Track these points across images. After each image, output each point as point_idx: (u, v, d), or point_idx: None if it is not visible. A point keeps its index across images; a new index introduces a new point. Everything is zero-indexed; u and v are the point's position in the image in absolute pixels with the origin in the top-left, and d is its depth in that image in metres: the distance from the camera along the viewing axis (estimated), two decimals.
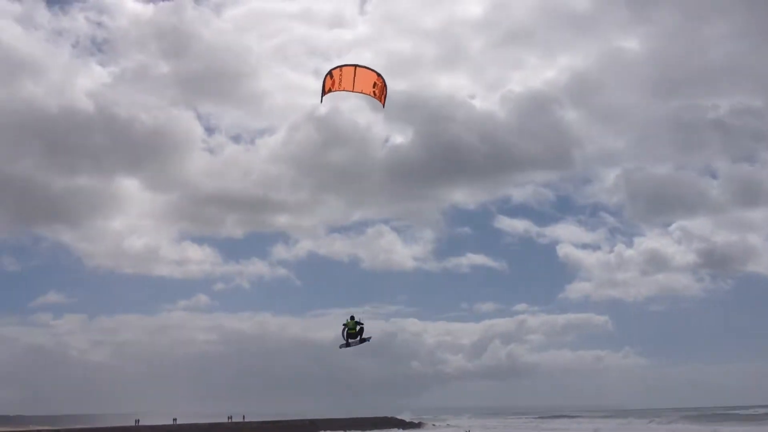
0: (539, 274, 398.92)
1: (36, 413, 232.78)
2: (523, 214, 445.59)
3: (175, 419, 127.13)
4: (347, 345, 24.69)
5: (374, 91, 34.17)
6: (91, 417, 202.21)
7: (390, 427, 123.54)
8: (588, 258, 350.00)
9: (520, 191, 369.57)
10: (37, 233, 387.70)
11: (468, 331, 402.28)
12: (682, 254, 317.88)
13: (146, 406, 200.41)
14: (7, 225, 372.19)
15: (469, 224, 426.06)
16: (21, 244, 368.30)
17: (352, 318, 25.11)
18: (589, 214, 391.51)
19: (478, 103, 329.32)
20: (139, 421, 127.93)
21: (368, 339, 25.62)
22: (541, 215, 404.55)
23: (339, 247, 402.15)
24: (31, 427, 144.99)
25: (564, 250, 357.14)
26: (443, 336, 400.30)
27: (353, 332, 24.97)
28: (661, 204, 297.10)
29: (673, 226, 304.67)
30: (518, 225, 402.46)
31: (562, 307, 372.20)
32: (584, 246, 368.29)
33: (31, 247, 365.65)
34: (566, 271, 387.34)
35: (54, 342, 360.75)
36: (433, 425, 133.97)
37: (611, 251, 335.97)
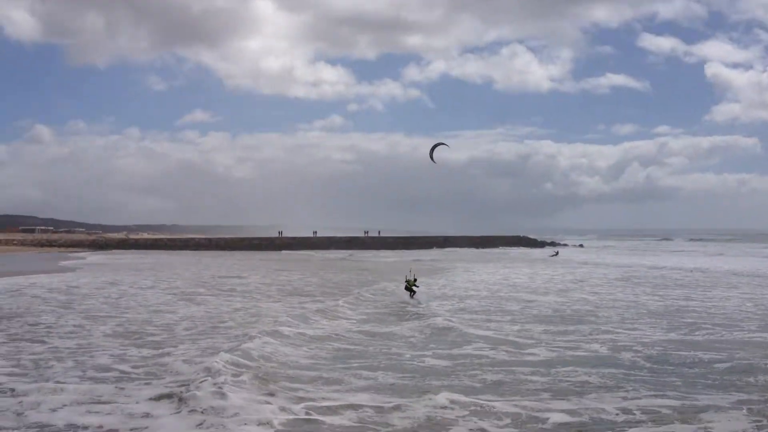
0: (684, 95, 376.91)
1: (189, 223, 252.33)
2: (669, 31, 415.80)
3: (315, 232, 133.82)
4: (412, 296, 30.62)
5: None
6: (238, 228, 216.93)
7: (523, 246, 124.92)
8: (738, 78, 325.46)
9: (667, 7, 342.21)
10: (179, 54, 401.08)
11: (605, 154, 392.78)
12: None
13: (287, 219, 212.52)
14: (151, 47, 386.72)
15: (610, 43, 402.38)
16: (166, 64, 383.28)
17: (415, 279, 30.48)
18: (743, 31, 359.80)
19: None
20: (282, 232, 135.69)
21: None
22: (689, 32, 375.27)
23: (472, 68, 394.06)
24: (186, 235, 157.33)
25: (712, 70, 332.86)
26: (579, 158, 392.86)
27: (409, 288, 30.14)
28: None
29: None
30: (664, 43, 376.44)
31: (707, 128, 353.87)
32: (735, 65, 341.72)
33: (175, 68, 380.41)
34: (714, 92, 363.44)
35: (201, 158, 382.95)
36: (565, 245, 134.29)
37: (765, 71, 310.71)
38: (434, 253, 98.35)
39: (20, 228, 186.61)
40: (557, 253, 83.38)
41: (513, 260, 71.43)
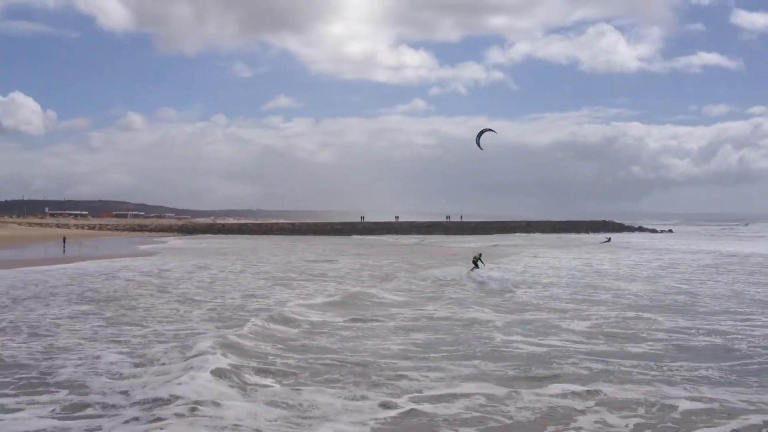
0: None
1: (273, 208, 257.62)
2: (765, 7, 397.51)
3: (397, 217, 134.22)
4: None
5: None
6: (320, 213, 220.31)
7: (607, 231, 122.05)
8: None
9: None
10: (264, 41, 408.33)
11: (696, 135, 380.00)
12: None
13: (369, 204, 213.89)
14: (237, 34, 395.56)
15: (701, 20, 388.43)
16: (251, 51, 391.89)
17: (480, 256, 36.04)
18: None
19: None
20: (364, 217, 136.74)
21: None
22: None
23: (557, 49, 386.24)
24: (270, 220, 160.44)
25: None
26: (668, 140, 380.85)
27: (475, 263, 35.37)
28: None
29: None
30: (758, 20, 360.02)
31: None
32: None
33: (260, 54, 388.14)
34: None
35: (285, 144, 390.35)
36: (653, 230, 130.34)
37: None
38: (515, 238, 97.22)
39: (114, 213, 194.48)
40: (609, 239, 79.92)
41: (595, 246, 69.81)
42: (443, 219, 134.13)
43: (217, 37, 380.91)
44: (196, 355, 13.42)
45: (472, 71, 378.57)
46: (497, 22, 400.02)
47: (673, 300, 23.80)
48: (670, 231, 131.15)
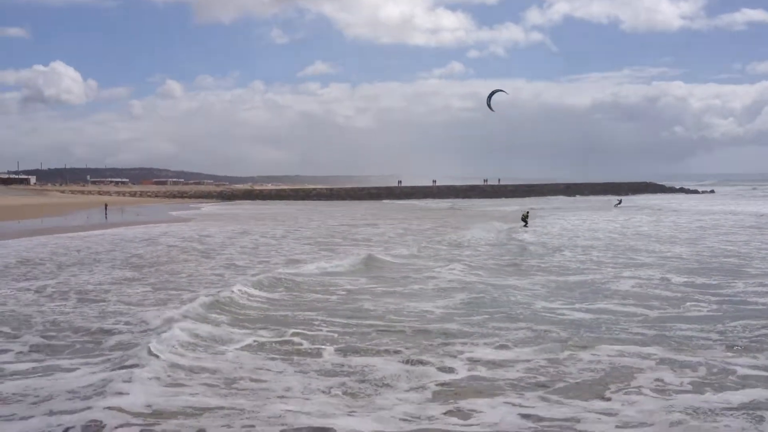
0: None
1: (311, 174, 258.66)
2: None
3: (434, 181, 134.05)
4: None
5: None
6: (358, 178, 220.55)
7: (651, 193, 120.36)
8: None
9: None
10: (300, 6, 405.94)
11: (740, 94, 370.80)
12: None
13: (407, 168, 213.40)
14: (274, 1, 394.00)
15: None
16: (288, 17, 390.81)
17: (528, 213, 41.31)
18: None
19: None
20: (401, 182, 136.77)
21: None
22: None
23: (597, 8, 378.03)
24: (308, 185, 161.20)
25: None
26: (711, 99, 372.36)
27: (524, 220, 39.76)
28: None
29: None
30: None
31: None
32: None
33: (296, 20, 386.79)
34: None
35: (322, 109, 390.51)
36: (695, 191, 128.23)
37: None
38: (554, 201, 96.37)
39: (153, 180, 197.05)
40: (620, 202, 76.84)
41: (632, 209, 68.66)
42: (481, 183, 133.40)
43: (253, 4, 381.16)
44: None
45: (510, 33, 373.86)
46: None
47: (720, 262, 23.28)
48: (712, 191, 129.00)
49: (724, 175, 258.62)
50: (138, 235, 37.86)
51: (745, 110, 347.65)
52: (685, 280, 19.31)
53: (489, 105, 34.80)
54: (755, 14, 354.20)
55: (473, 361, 11.10)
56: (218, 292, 17.08)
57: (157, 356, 10.88)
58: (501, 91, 35.54)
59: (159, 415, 8.53)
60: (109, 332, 13.29)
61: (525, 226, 40.00)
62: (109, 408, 8.55)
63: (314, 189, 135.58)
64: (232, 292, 16.92)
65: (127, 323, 14.11)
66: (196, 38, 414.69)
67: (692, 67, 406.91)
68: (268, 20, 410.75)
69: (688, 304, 15.74)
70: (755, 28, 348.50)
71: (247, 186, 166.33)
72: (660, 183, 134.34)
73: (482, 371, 10.58)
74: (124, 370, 10.16)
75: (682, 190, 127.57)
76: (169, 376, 10.14)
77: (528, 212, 43.10)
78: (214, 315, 14.59)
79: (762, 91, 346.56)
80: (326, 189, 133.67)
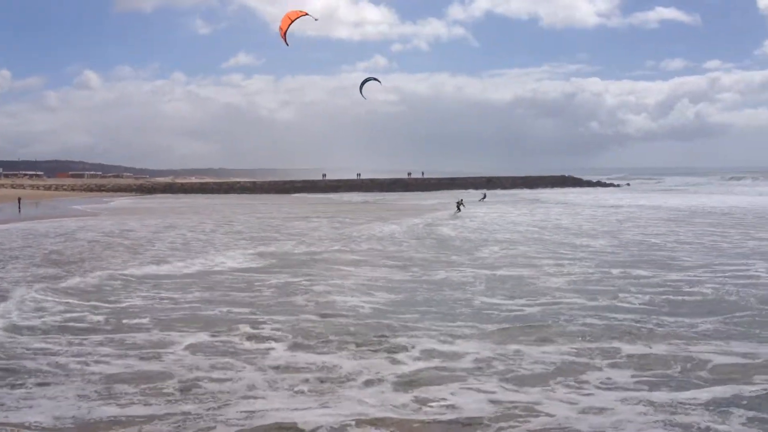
0: (735, 29, 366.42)
1: (235, 167, 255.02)
2: None
3: (359, 174, 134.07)
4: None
5: None
6: (282, 171, 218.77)
7: (569, 186, 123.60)
8: None
9: None
10: None
11: (653, 90, 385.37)
12: None
13: (331, 162, 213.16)
14: None
15: None
16: (210, 7, 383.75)
17: (462, 201, 49.05)
18: None
19: None
20: (325, 175, 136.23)
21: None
22: None
23: (517, 4, 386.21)
24: (232, 179, 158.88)
25: (766, 1, 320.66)
26: (626, 95, 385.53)
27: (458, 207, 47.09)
28: None
29: None
30: None
31: (760, 62, 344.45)
32: None
33: (219, 11, 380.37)
34: (766, 24, 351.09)
35: (246, 101, 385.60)
36: (612, 184, 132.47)
37: None
38: (477, 193, 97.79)
39: (70, 173, 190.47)
40: (485, 196, 75.05)
41: (549, 202, 70.36)
42: (405, 176, 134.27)
43: None
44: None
45: (433, 27, 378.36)
46: None
47: (648, 255, 23.87)
48: (628, 185, 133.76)
49: (639, 168, 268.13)
50: (53, 229, 36.51)
51: (658, 106, 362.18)
52: (620, 272, 19.73)
53: (361, 93, 34.67)
54: (668, 12, 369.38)
55: (426, 353, 11.18)
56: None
57: None
58: (374, 79, 35.34)
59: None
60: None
61: (458, 211, 48.24)
62: None
63: (238, 182, 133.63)
64: None
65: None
66: (115, 27, 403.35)
67: (608, 63, 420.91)
68: (190, 10, 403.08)
69: (627, 295, 16.06)
70: (668, 26, 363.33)
71: (168, 179, 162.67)
72: (578, 177, 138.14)
73: (437, 362, 10.68)
74: None
75: (599, 184, 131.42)
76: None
77: (462, 200, 52.07)
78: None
79: (674, 88, 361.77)
80: (250, 182, 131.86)
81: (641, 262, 21.81)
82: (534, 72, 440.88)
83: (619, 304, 15.16)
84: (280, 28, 32.71)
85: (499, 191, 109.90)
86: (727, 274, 18.95)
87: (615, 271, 19.87)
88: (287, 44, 33.14)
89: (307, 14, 32.64)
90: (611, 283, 17.88)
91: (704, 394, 9.09)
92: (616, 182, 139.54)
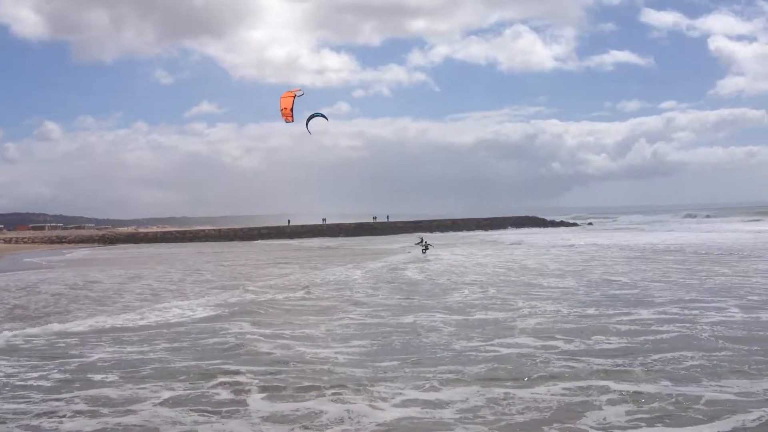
0: (689, 69, 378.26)
1: (198, 215, 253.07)
2: (671, 5, 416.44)
3: (324, 219, 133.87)
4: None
5: None
6: (247, 218, 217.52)
7: (532, 226, 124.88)
8: (743, 50, 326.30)
9: None
10: (185, 46, 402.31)
11: (612, 131, 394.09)
12: None
13: (296, 207, 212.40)
14: (157, 40, 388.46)
15: (612, 19, 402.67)
16: (172, 57, 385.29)
17: (426, 243, 48.96)
18: (745, 2, 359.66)
19: None
20: (290, 221, 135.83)
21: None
22: (691, 6, 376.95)
23: (476, 50, 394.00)
24: (195, 227, 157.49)
25: (716, 43, 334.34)
26: (585, 136, 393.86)
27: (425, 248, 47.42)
28: None
29: None
30: (666, 18, 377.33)
31: (713, 102, 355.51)
32: (739, 37, 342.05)
33: (181, 60, 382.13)
34: (718, 65, 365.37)
35: (209, 150, 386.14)
36: (575, 224, 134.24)
37: None
38: (443, 237, 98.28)
39: (30, 225, 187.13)
40: (422, 241, 74.84)
41: (513, 243, 70.94)
42: (370, 220, 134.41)
43: (136, 44, 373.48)
44: None
45: (394, 73, 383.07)
46: (417, 25, 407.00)
47: (618, 293, 24.07)
48: (590, 224, 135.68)
49: (600, 207, 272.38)
50: (12, 283, 35.74)
51: (617, 146, 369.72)
52: (594, 311, 19.90)
53: (307, 128, 34.79)
54: (622, 55, 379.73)
55: (409, 402, 11.03)
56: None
57: None
58: (321, 115, 35.35)
59: None
60: None
61: (425, 251, 49.11)
62: None
63: (202, 230, 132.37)
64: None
65: None
66: (75, 78, 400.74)
67: (567, 105, 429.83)
68: (151, 60, 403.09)
69: (604, 336, 16.09)
70: (623, 68, 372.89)
71: (131, 229, 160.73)
72: (541, 217, 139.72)
73: (420, 411, 10.53)
74: None
75: (562, 224, 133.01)
76: None
77: (424, 240, 52.55)
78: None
79: (632, 128, 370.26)
80: (215, 230, 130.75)
81: (614, 301, 22.03)
82: (495, 115, 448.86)
83: (600, 344, 15.21)
84: (285, 109, 33.36)
85: (464, 233, 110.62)
86: (698, 311, 19.24)
87: (590, 311, 20.02)
88: (293, 120, 33.99)
89: (300, 91, 33.77)
90: (588, 323, 17.99)
91: (706, 430, 9.25)
92: (578, 222, 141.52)
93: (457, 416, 10.33)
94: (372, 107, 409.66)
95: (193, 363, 14.56)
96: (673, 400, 10.65)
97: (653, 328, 16.97)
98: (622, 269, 33.78)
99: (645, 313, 19.18)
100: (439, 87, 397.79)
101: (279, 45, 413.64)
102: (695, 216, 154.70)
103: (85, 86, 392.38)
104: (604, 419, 9.92)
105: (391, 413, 10.48)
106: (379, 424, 9.95)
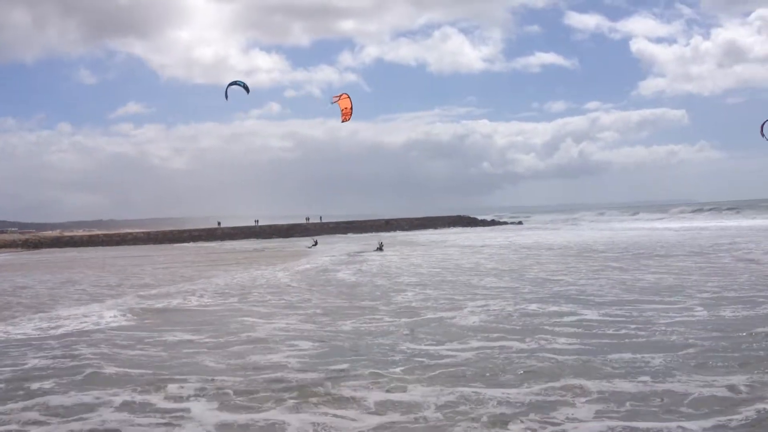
0: (611, 71, 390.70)
1: (125, 218, 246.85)
2: (594, 8, 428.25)
3: (256, 221, 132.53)
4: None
5: None
6: (176, 220, 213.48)
7: (464, 226, 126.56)
8: (663, 52, 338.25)
9: None
10: (110, 47, 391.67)
11: (539, 131, 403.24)
12: (762, 44, 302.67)
13: (226, 209, 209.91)
14: (81, 40, 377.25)
15: (537, 22, 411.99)
16: (96, 58, 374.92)
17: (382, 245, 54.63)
18: (665, 5, 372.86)
19: None
20: (220, 223, 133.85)
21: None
22: (613, 9, 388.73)
23: (406, 52, 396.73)
24: (123, 230, 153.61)
25: (637, 45, 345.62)
26: (514, 136, 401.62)
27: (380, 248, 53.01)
28: None
29: (753, 15, 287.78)
30: (589, 21, 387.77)
31: (635, 103, 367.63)
32: (659, 40, 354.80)
33: (106, 60, 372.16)
34: (640, 67, 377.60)
35: (136, 150, 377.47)
36: (506, 222, 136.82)
37: (687, 44, 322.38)
38: (376, 237, 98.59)
39: None
40: (316, 243, 75.37)
41: (446, 242, 71.92)
42: (303, 221, 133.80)
43: (59, 44, 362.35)
44: None
45: (325, 74, 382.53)
46: (346, 26, 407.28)
47: (563, 291, 24.52)
48: (521, 223, 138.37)
49: (529, 206, 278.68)
50: None
51: (545, 146, 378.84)
52: (538, 308, 20.25)
53: (226, 95, 34.94)
54: (548, 57, 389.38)
55: (380, 406, 10.91)
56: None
57: None
58: (242, 85, 35.47)
59: None
60: None
61: (379, 249, 54.32)
62: None
63: (130, 233, 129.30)
64: None
65: None
66: None
67: (496, 106, 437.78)
68: (75, 60, 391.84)
69: (555, 335, 16.17)
70: (549, 70, 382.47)
71: (56, 232, 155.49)
72: (473, 216, 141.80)
73: (395, 416, 10.42)
74: None
75: (494, 222, 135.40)
76: None
77: (381, 242, 58.34)
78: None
79: (558, 128, 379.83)
80: (143, 233, 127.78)
81: (557, 298, 22.46)
82: (425, 115, 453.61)
83: (558, 344, 15.23)
84: (345, 109, 33.36)
85: (398, 233, 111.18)
86: (646, 309, 19.54)
87: (533, 307, 20.42)
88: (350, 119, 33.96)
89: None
90: (538, 321, 18.11)
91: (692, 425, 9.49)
92: (509, 220, 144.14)
93: (434, 415, 10.29)
94: (303, 108, 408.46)
95: (132, 371, 14.04)
96: (655, 396, 10.85)
97: (606, 325, 17.32)
98: (557, 267, 34.47)
99: (591, 312, 19.42)
100: (370, 88, 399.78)
101: (207, 45, 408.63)
102: (603, 213, 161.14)
103: (6, 87, 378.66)
104: (589, 412, 10.18)
105: (368, 419, 10.33)
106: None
